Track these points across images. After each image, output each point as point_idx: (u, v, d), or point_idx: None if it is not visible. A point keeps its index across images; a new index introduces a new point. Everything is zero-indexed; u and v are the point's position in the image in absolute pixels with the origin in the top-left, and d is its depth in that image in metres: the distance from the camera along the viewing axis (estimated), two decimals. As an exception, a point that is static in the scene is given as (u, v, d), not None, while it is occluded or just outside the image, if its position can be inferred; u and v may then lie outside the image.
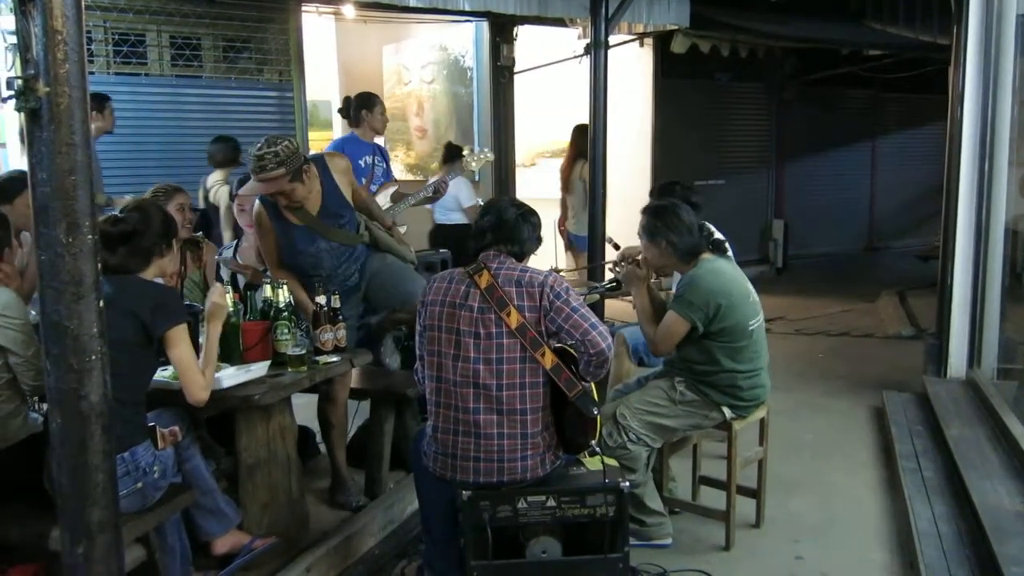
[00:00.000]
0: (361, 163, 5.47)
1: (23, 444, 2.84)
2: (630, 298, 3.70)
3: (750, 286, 3.52)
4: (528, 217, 2.93)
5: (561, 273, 2.96)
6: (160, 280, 2.95)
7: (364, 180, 5.47)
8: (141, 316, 2.66)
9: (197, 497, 2.98)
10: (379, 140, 5.74)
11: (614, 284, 4.03)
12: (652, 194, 4.38)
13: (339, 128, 6.35)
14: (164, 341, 2.73)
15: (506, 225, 2.88)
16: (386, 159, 5.66)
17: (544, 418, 2.80)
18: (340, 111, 5.81)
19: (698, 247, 3.43)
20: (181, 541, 2.95)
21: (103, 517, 1.91)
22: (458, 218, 6.80)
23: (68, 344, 1.82)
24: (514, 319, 2.71)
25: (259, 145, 3.35)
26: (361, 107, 5.48)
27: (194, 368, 2.77)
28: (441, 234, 6.89)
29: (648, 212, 3.50)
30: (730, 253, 4.16)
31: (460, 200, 6.71)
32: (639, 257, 3.58)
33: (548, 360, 2.72)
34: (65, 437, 1.86)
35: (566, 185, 7.12)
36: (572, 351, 2.78)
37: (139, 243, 2.81)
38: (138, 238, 2.80)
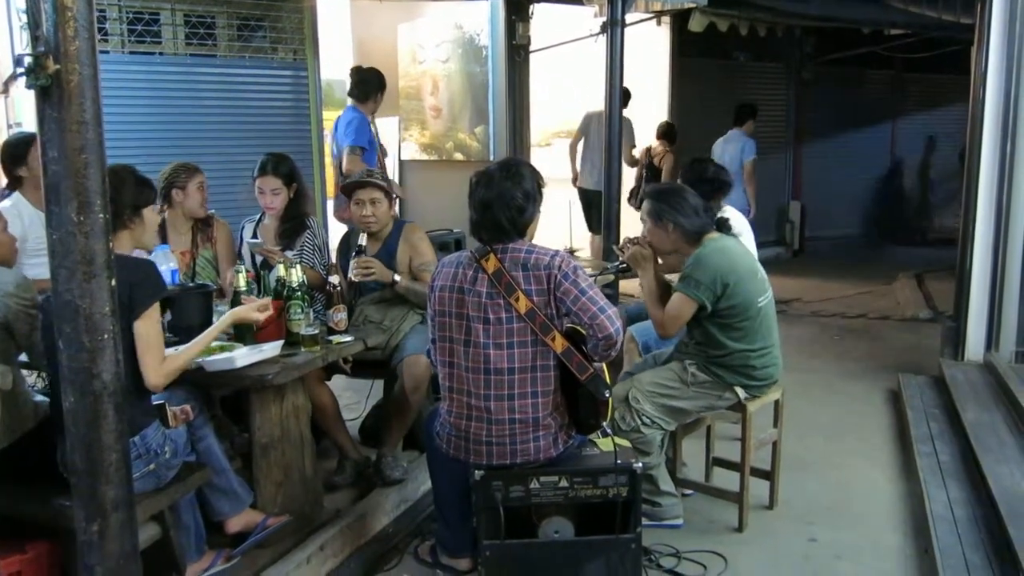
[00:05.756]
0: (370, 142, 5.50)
1: (35, 429, 2.81)
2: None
3: (757, 263, 3.49)
4: (515, 194, 2.75)
5: (575, 253, 2.93)
6: (138, 252, 2.85)
7: (377, 157, 5.47)
8: (120, 293, 2.58)
9: (210, 477, 2.98)
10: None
11: (626, 265, 4.00)
12: (681, 172, 4.38)
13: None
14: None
15: (497, 223, 2.75)
16: None
17: (555, 399, 2.79)
18: (351, 89, 5.83)
19: (704, 228, 3.40)
20: (195, 519, 2.97)
21: (117, 495, 1.93)
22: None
23: (80, 323, 1.82)
24: (523, 304, 2.69)
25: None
26: (379, 88, 5.59)
27: (156, 349, 2.58)
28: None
29: (653, 195, 3.47)
30: (748, 234, 4.14)
31: None
32: (643, 238, 3.55)
33: (559, 344, 2.70)
34: (78, 416, 1.87)
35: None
36: (581, 330, 2.76)
37: None
38: None
